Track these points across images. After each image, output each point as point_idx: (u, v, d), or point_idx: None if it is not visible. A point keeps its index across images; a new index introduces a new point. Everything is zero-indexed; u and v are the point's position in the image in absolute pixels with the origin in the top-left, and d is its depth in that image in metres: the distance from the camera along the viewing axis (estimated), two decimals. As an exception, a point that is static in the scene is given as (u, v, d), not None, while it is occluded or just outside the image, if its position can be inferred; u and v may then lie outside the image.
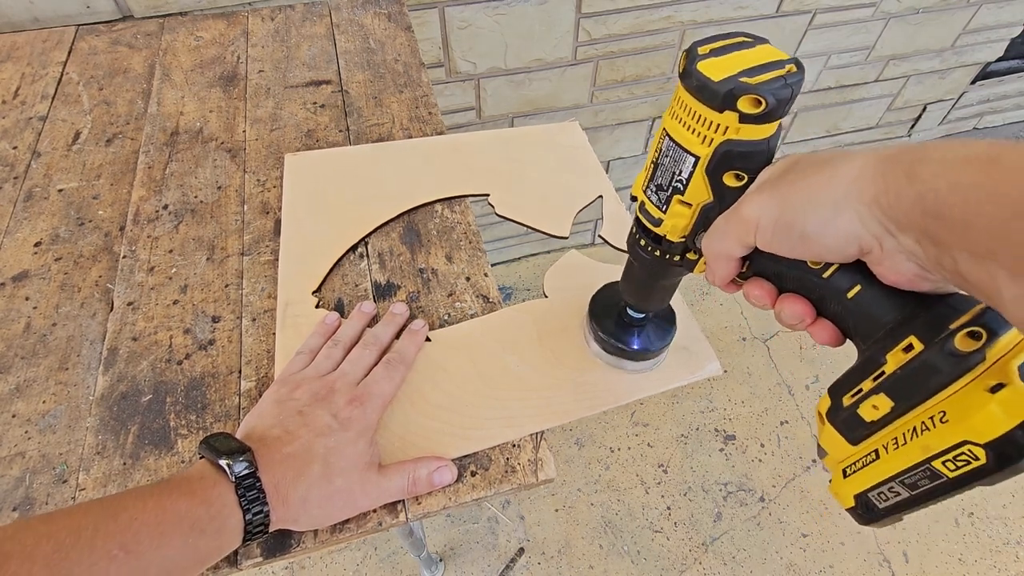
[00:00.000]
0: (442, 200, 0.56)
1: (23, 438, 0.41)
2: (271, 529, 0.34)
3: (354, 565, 1.12)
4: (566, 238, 0.55)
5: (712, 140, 0.27)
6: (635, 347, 0.43)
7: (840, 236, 0.23)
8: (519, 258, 1.59)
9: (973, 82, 1.56)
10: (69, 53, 0.70)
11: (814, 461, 1.26)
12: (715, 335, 1.46)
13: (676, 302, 0.47)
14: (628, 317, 0.43)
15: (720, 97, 0.26)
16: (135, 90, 0.66)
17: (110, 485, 0.39)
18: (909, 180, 0.21)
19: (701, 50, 0.27)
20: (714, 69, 0.26)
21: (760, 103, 0.25)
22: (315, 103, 0.65)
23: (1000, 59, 1.51)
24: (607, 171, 1.31)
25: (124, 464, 0.40)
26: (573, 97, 1.18)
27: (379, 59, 0.71)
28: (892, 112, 1.56)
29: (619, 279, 0.42)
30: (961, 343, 0.21)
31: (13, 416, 0.42)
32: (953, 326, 0.22)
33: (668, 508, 1.20)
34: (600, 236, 0.55)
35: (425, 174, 0.58)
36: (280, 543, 0.37)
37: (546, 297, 0.51)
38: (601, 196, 0.58)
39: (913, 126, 1.65)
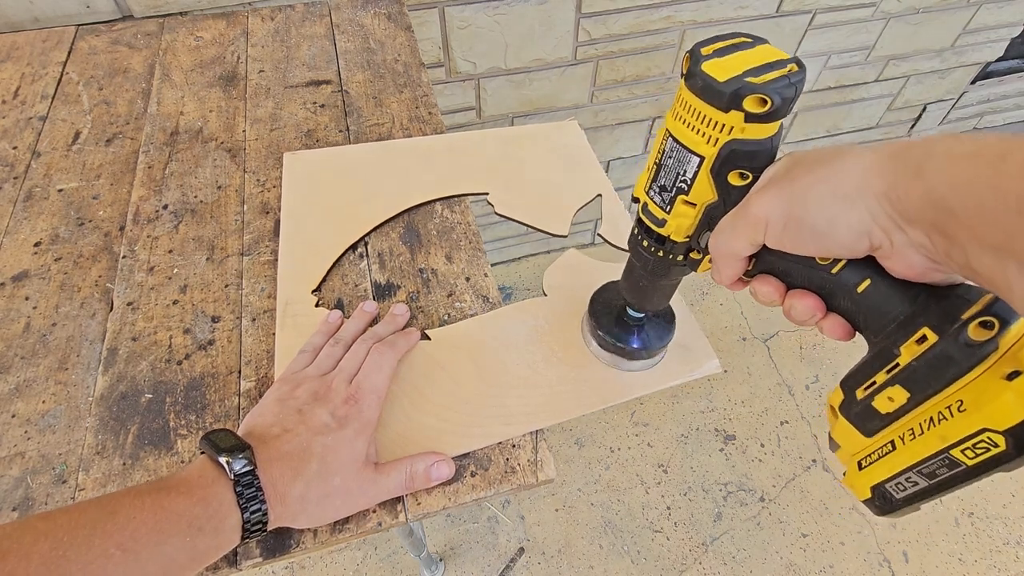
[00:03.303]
0: (441, 199, 0.56)
1: (23, 438, 0.41)
2: (269, 527, 0.34)
3: (354, 565, 1.12)
4: (565, 236, 0.55)
5: (717, 140, 0.27)
6: (634, 346, 0.43)
7: (851, 232, 0.23)
8: (519, 258, 1.59)
9: (973, 82, 1.56)
10: (69, 53, 0.71)
11: (814, 461, 1.26)
12: (715, 335, 1.46)
13: (675, 301, 0.47)
14: (628, 316, 0.43)
15: (726, 97, 0.26)
16: (135, 90, 0.66)
17: (110, 485, 0.39)
18: (918, 175, 0.21)
19: (704, 51, 0.27)
20: (718, 70, 0.26)
21: (766, 102, 0.26)
22: (315, 103, 0.65)
23: (1000, 59, 1.51)
24: (607, 171, 1.31)
25: (124, 464, 0.40)
26: (573, 97, 1.18)
27: (379, 59, 0.71)
28: (892, 112, 1.56)
29: (619, 278, 0.42)
30: (974, 333, 0.21)
31: (13, 416, 0.42)
32: (965, 316, 0.22)
33: (668, 508, 1.20)
34: (599, 235, 0.55)
35: (424, 173, 0.58)
36: (280, 543, 0.37)
37: (545, 296, 0.51)
38: (600, 195, 0.58)
39: (913, 126, 1.65)
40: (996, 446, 0.21)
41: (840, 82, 1.40)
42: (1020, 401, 0.20)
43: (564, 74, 1.13)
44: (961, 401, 0.22)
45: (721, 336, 1.46)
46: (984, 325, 0.21)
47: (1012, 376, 0.20)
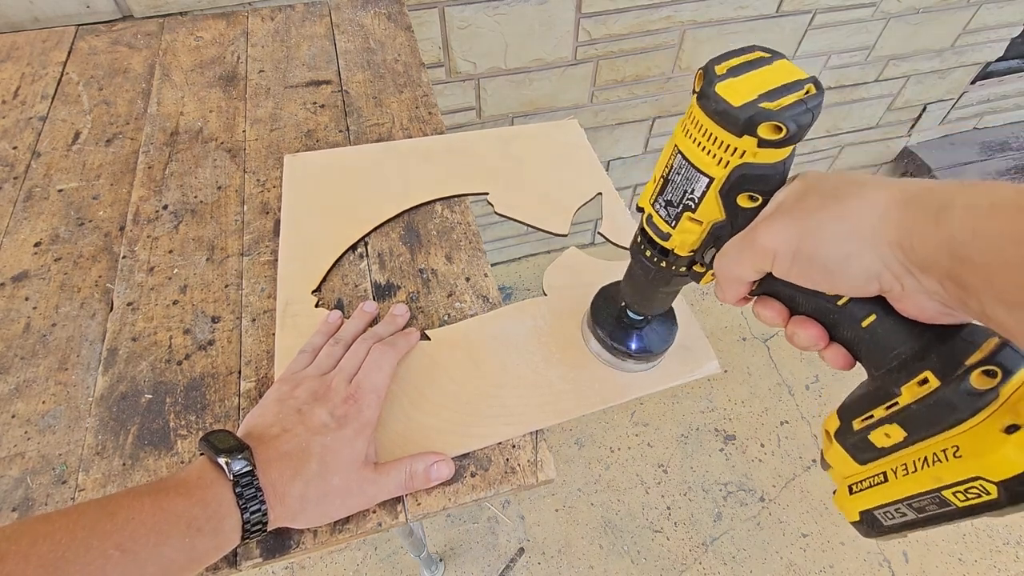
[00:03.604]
0: (441, 199, 0.56)
1: (23, 438, 0.41)
2: (269, 528, 0.34)
3: (354, 565, 1.12)
4: (565, 236, 0.55)
5: (728, 163, 0.27)
6: (635, 348, 0.43)
7: (862, 274, 0.23)
8: (519, 258, 1.59)
9: (973, 82, 1.56)
10: (69, 53, 0.70)
11: (814, 461, 1.26)
12: (715, 335, 1.46)
13: (676, 301, 0.47)
14: (628, 318, 0.43)
15: (740, 123, 0.25)
16: (135, 90, 0.66)
17: (110, 485, 0.39)
18: (935, 225, 0.21)
19: (719, 69, 0.26)
20: (733, 92, 0.25)
21: (781, 129, 0.25)
22: (315, 103, 0.65)
23: (1000, 59, 1.51)
24: (607, 171, 1.31)
25: (124, 464, 0.40)
26: (573, 97, 1.18)
27: (379, 59, 0.71)
28: (892, 112, 1.56)
29: (619, 278, 0.42)
30: (977, 381, 0.21)
31: (13, 416, 0.42)
32: (969, 362, 0.22)
33: (668, 508, 1.20)
34: (600, 233, 0.55)
35: (424, 173, 0.58)
36: (280, 544, 0.37)
37: (545, 295, 0.51)
38: (600, 194, 0.58)
39: (913, 126, 1.65)
40: (988, 494, 0.21)
41: (840, 82, 1.40)
42: (1017, 456, 0.20)
43: (564, 74, 1.13)
44: (957, 447, 0.22)
45: (721, 336, 1.46)
46: (987, 373, 0.21)
47: (1011, 429, 0.20)
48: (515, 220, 0.56)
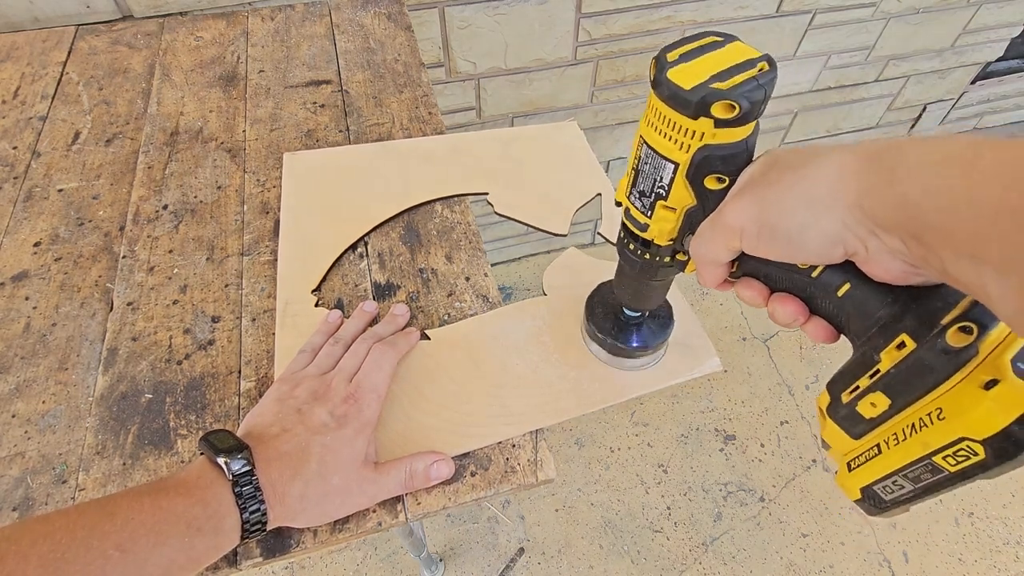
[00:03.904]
0: (441, 199, 0.56)
1: (23, 438, 0.41)
2: (269, 527, 0.34)
3: (354, 565, 1.12)
4: (565, 236, 0.55)
5: (689, 146, 0.27)
6: (633, 345, 0.43)
7: (824, 239, 0.23)
8: (519, 258, 1.59)
9: (973, 82, 1.56)
10: (69, 53, 0.71)
11: (814, 461, 1.26)
12: (715, 335, 1.46)
13: (676, 299, 0.47)
14: (625, 316, 0.43)
15: (692, 106, 0.25)
16: (135, 90, 0.66)
17: (110, 485, 0.39)
18: (890, 183, 0.20)
19: (670, 56, 0.27)
20: (684, 76, 0.26)
21: (734, 107, 0.25)
22: (315, 103, 0.65)
23: (1000, 59, 1.51)
24: (607, 171, 1.31)
25: (124, 464, 0.40)
26: (573, 97, 1.18)
27: (379, 59, 0.71)
28: (892, 112, 1.56)
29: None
30: (953, 339, 0.21)
31: (13, 416, 0.42)
32: (944, 321, 0.22)
33: (668, 508, 1.20)
34: (599, 234, 0.55)
35: (424, 173, 0.58)
36: (280, 543, 0.37)
37: (545, 295, 0.51)
38: (600, 194, 0.58)
39: (913, 126, 1.65)
40: (976, 454, 0.21)
41: (840, 82, 1.40)
42: (998, 411, 0.20)
43: (564, 74, 1.13)
44: (940, 409, 0.22)
45: (721, 336, 1.46)
46: (963, 330, 0.21)
47: (989, 385, 0.20)
48: (515, 220, 0.56)
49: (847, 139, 1.61)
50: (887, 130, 1.63)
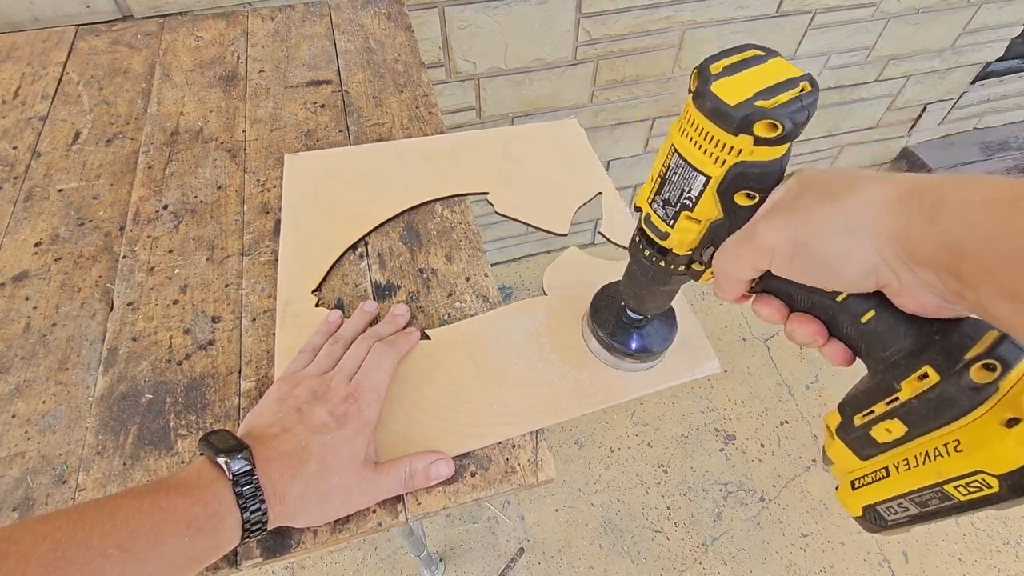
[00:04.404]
0: (441, 199, 0.56)
1: (23, 438, 0.41)
2: (269, 527, 0.34)
3: (354, 565, 1.12)
4: (565, 235, 0.55)
5: (725, 161, 0.27)
6: (634, 348, 0.43)
7: (860, 270, 0.23)
8: (519, 258, 1.59)
9: (973, 82, 1.56)
10: (69, 53, 0.71)
11: (814, 461, 1.26)
12: (715, 335, 1.46)
13: (677, 300, 0.47)
14: (628, 317, 0.43)
15: (736, 122, 0.25)
16: (135, 90, 0.66)
17: (110, 485, 0.39)
18: (931, 220, 0.21)
19: (714, 68, 0.26)
20: (728, 91, 0.25)
21: (776, 127, 0.25)
22: (315, 103, 0.65)
23: (1000, 59, 1.51)
24: (607, 171, 1.31)
25: (124, 464, 0.40)
26: (573, 97, 1.18)
27: (379, 59, 0.71)
28: (892, 112, 1.56)
29: (619, 277, 0.42)
30: (977, 375, 0.21)
31: (13, 416, 0.42)
32: (968, 357, 0.22)
33: (668, 508, 1.20)
34: (600, 233, 0.55)
35: (424, 173, 0.58)
36: (280, 543, 0.37)
37: (545, 295, 0.51)
38: (600, 193, 0.58)
39: (913, 126, 1.65)
40: (989, 487, 0.21)
41: (840, 82, 1.40)
42: (1018, 449, 0.20)
43: (564, 74, 1.13)
44: (958, 441, 0.22)
45: (721, 336, 1.46)
46: (987, 367, 0.21)
47: (1012, 423, 0.20)
48: (515, 220, 0.56)
49: (847, 139, 1.61)
50: (887, 130, 1.63)
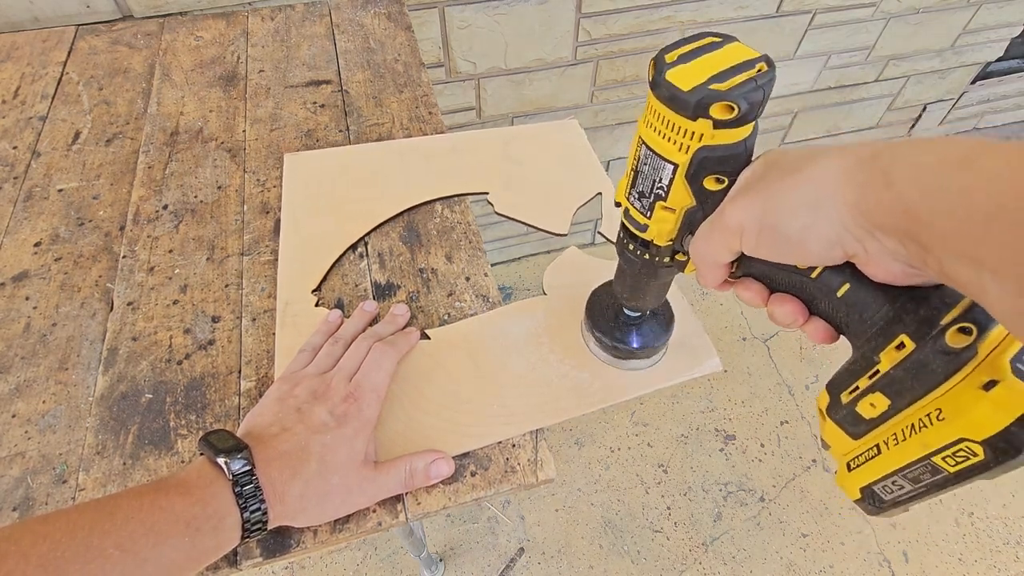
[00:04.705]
0: (441, 199, 0.56)
1: (23, 438, 0.41)
2: (269, 527, 0.34)
3: (354, 565, 1.12)
4: (565, 235, 0.55)
5: (688, 147, 0.27)
6: (633, 345, 0.43)
7: (823, 241, 0.23)
8: (519, 258, 1.59)
9: (973, 82, 1.56)
10: (69, 53, 0.71)
11: (814, 461, 1.26)
12: (715, 335, 1.46)
13: (676, 299, 0.47)
14: (625, 316, 0.43)
15: (691, 107, 0.25)
16: (135, 90, 0.66)
17: (110, 485, 0.39)
18: (886, 185, 0.20)
19: (668, 57, 0.27)
20: (682, 77, 0.26)
21: (733, 109, 0.25)
22: (315, 103, 0.65)
23: (1000, 59, 1.51)
24: (607, 171, 1.31)
25: (124, 464, 0.40)
26: (573, 97, 1.18)
27: (379, 59, 0.71)
28: (892, 112, 1.56)
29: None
30: (952, 339, 0.21)
31: (13, 416, 0.42)
32: (944, 321, 0.22)
33: (668, 508, 1.20)
34: (600, 233, 0.55)
35: (424, 173, 0.58)
36: (280, 543, 0.37)
37: (545, 294, 0.51)
38: (600, 193, 0.58)
39: (913, 126, 1.65)
40: (975, 455, 0.21)
41: (840, 82, 1.40)
42: (996, 412, 0.20)
43: (564, 74, 1.13)
44: (940, 409, 0.22)
45: (721, 336, 1.46)
46: (962, 331, 0.21)
47: (989, 386, 0.20)
48: (515, 220, 0.56)
49: (847, 139, 1.61)
50: (887, 130, 1.63)
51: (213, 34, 0.73)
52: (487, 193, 0.57)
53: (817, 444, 1.28)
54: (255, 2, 0.80)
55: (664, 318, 0.45)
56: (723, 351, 1.43)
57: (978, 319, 0.21)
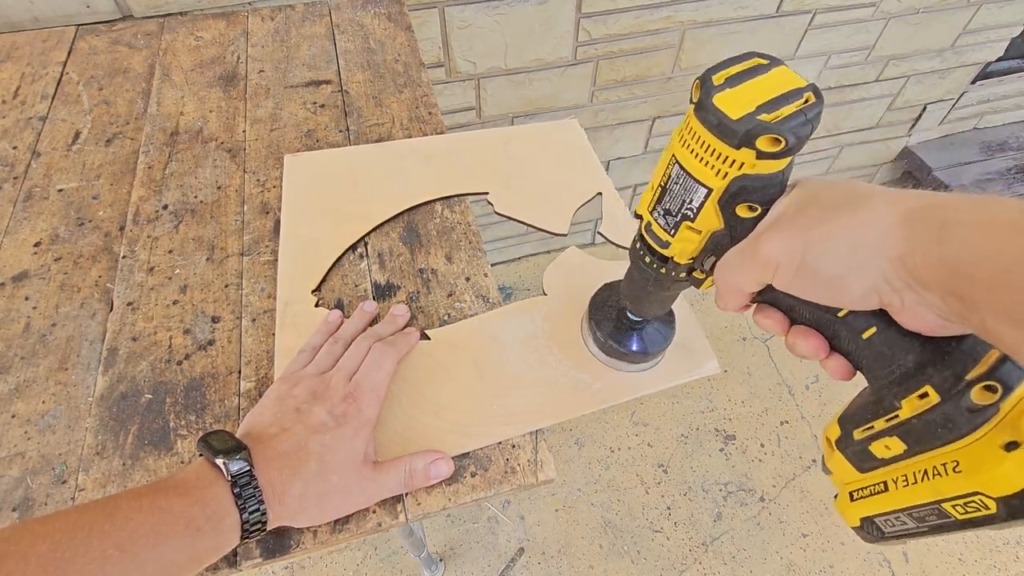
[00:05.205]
0: (441, 199, 0.56)
1: (23, 438, 0.41)
2: (269, 527, 0.34)
3: (354, 565, 1.12)
4: (565, 235, 0.55)
5: (727, 174, 0.26)
6: (633, 349, 0.43)
7: (862, 288, 0.23)
8: (519, 258, 1.59)
9: (973, 82, 1.56)
10: (69, 53, 0.70)
11: (814, 461, 1.26)
12: (715, 335, 1.46)
13: (676, 301, 0.47)
14: (627, 319, 0.43)
15: (739, 137, 0.25)
16: (135, 90, 0.66)
17: (109, 486, 0.39)
18: (936, 241, 0.21)
19: (716, 79, 0.26)
20: (731, 104, 0.25)
21: (779, 142, 0.25)
22: (315, 103, 0.65)
23: (1000, 59, 1.51)
24: (607, 171, 1.31)
25: (124, 465, 0.40)
26: (573, 97, 1.18)
27: (379, 59, 0.71)
28: (892, 112, 1.56)
29: (619, 280, 0.42)
30: (978, 396, 0.21)
31: (13, 416, 0.42)
32: (969, 377, 0.22)
33: (668, 508, 1.20)
34: (600, 233, 0.55)
35: (424, 173, 0.58)
36: (279, 544, 0.37)
37: (545, 295, 0.51)
38: (600, 193, 0.58)
39: (913, 126, 1.65)
40: (987, 508, 0.21)
41: (840, 82, 1.40)
42: (1017, 473, 0.20)
43: (564, 74, 1.13)
44: (957, 462, 0.22)
45: (721, 336, 1.46)
46: (988, 388, 0.21)
47: (1011, 446, 0.20)
48: (515, 220, 0.56)
49: (847, 139, 1.61)
50: (887, 130, 1.63)
51: (213, 34, 0.73)
52: (487, 193, 0.57)
53: (817, 444, 1.28)
54: (255, 2, 0.80)
55: (666, 323, 0.45)
56: (723, 351, 1.43)
57: (1003, 378, 0.21)
